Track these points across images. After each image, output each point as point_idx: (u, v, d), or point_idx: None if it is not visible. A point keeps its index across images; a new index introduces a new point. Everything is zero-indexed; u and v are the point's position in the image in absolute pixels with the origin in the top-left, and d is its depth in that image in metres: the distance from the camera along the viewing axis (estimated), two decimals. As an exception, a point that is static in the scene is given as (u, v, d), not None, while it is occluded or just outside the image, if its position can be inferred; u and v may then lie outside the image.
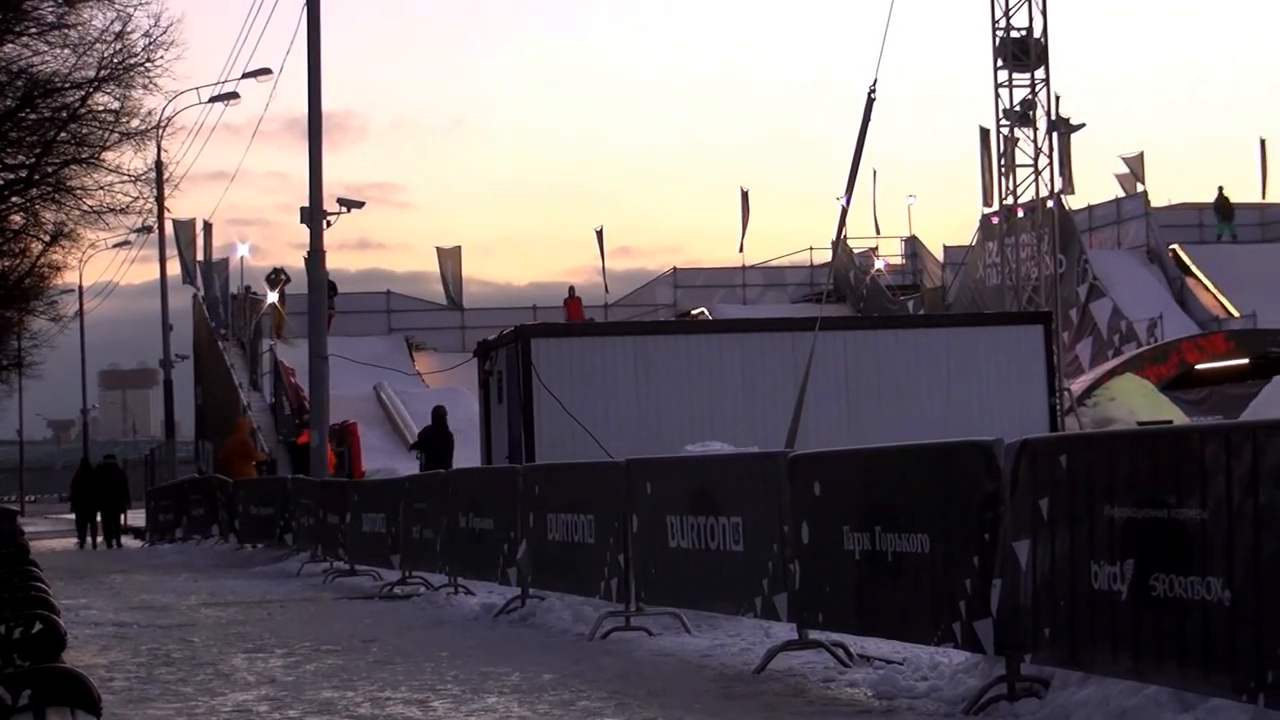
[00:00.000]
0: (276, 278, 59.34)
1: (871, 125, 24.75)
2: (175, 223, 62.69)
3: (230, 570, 29.32)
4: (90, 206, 35.01)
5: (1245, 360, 43.44)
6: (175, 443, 62.55)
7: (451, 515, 20.52)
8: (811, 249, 71.79)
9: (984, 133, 52.24)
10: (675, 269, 71.09)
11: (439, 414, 34.02)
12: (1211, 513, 8.32)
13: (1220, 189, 65.38)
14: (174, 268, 64.34)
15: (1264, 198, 68.52)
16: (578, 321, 53.77)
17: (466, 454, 31.76)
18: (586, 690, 12.04)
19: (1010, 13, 41.10)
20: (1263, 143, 69.70)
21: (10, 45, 31.42)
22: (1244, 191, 67.95)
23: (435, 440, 33.33)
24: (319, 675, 13.52)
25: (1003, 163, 42.45)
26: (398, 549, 22.85)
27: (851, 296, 66.55)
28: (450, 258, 65.99)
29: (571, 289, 62.72)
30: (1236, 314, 55.25)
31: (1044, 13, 40.98)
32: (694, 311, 64.61)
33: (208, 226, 65.90)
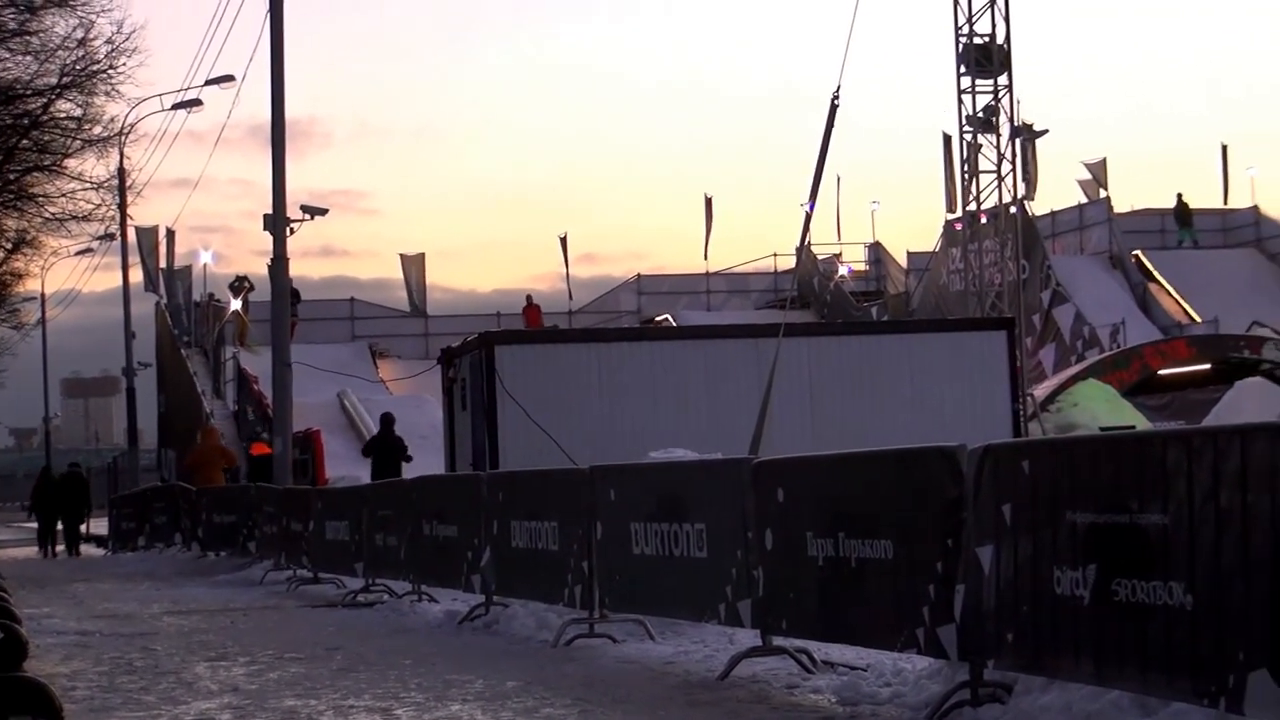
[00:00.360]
0: (240, 285, 59.28)
1: (835, 131, 24.81)
2: (138, 230, 62.59)
3: (193, 578, 29.23)
4: (52, 214, 34.96)
5: (1207, 365, 43.60)
6: (138, 450, 62.43)
7: (415, 523, 20.48)
8: (775, 255, 71.99)
9: (947, 139, 52.39)
10: (639, 275, 71.18)
11: (387, 420, 34.10)
12: (1173, 518, 8.34)
13: (1179, 196, 65.76)
14: (137, 275, 64.22)
15: (1225, 204, 68.86)
16: (541, 328, 53.74)
17: (430, 461, 31.71)
18: (550, 698, 12.02)
19: (973, 19, 41.16)
20: (1224, 149, 70.07)
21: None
22: (1206, 198, 68.32)
23: (383, 447, 33.38)
24: (282, 683, 13.47)
25: (966, 169, 42.49)
26: (361, 557, 22.80)
27: (815, 303, 66.68)
28: (414, 264, 65.95)
29: (529, 297, 62.68)
30: (1198, 319, 55.48)
31: (1007, 19, 41.06)
32: (658, 318, 64.69)
33: (170, 234, 65.83)
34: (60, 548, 45.14)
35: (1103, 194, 64.09)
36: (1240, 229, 66.08)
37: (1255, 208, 66.81)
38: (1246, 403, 39.03)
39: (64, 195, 34.32)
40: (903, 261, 69.98)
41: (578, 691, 12.29)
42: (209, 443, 40.59)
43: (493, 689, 12.57)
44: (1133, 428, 29.44)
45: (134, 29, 32.97)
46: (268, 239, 32.83)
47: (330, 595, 23.08)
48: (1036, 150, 54.16)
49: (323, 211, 33.95)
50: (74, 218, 34.71)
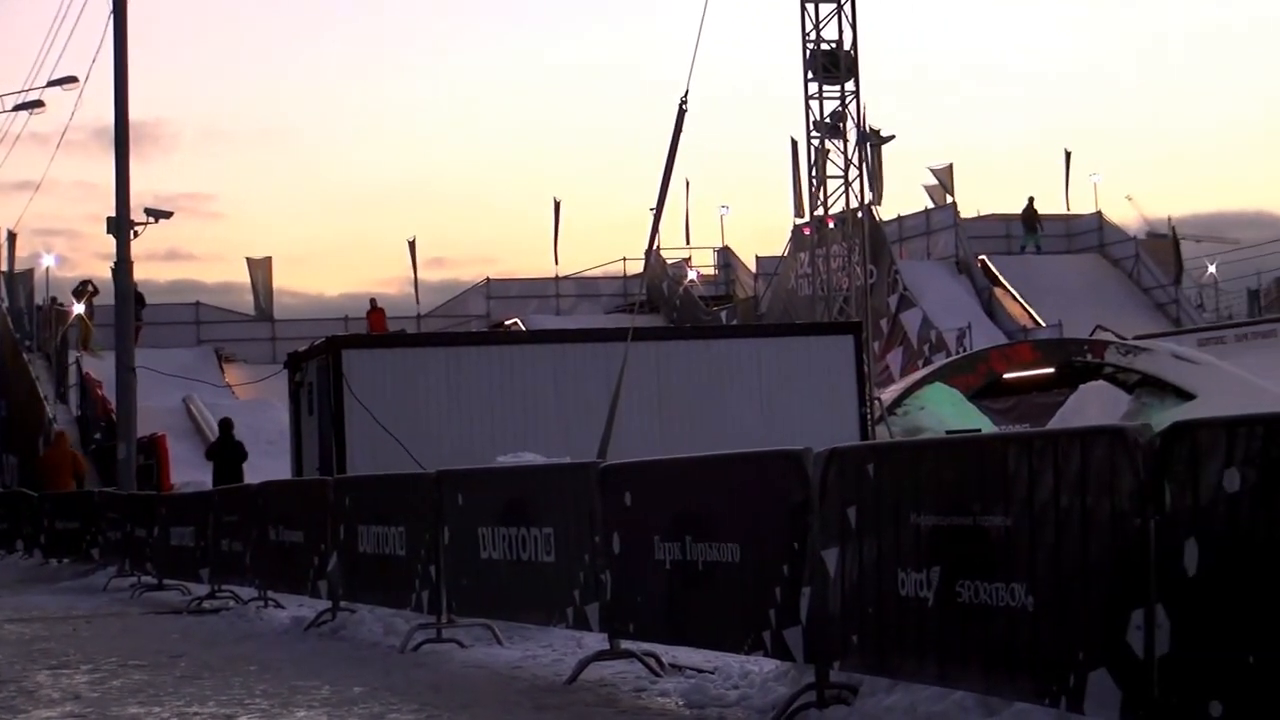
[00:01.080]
0: (83, 289, 58.54)
1: (683, 136, 24.89)
2: (-24, 233, 61.65)
3: (35, 585, 28.79)
4: (-113, 215, 34.32)
5: (1051, 369, 44.04)
6: (-22, 457, 61.45)
7: (261, 528, 20.33)
8: (625, 259, 71.99)
9: (794, 144, 52.69)
10: (489, 280, 71.00)
11: (225, 425, 33.96)
12: (1015, 520, 8.41)
13: (1030, 200, 66.48)
14: (-25, 279, 63.24)
15: (1068, 209, 69.73)
16: (389, 332, 53.51)
17: (277, 466, 31.47)
18: (397, 703, 11.97)
19: (820, 25, 41.40)
20: (1068, 155, 70.96)
21: None
22: (1050, 203, 69.15)
23: (224, 452, 33.16)
24: (125, 691, 13.32)
25: (814, 174, 42.73)
26: (206, 562, 22.60)
27: (665, 307, 66.82)
28: (260, 268, 65.45)
29: (373, 300, 62.29)
30: (1043, 324, 56.19)
31: (854, 26, 41.32)
32: (507, 322, 64.58)
33: (11, 236, 64.84)
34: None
35: (949, 199, 64.75)
36: (1084, 234, 66.95)
37: (1099, 213, 67.72)
38: (1090, 406, 39.53)
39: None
40: (751, 266, 70.25)
41: (425, 697, 12.24)
42: (61, 448, 40.05)
43: (339, 695, 12.50)
44: (978, 431, 29.76)
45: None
46: (113, 242, 32.50)
47: (175, 602, 22.86)
48: (884, 156, 54.63)
49: (167, 214, 33.66)
50: (-89, 219, 34.14)
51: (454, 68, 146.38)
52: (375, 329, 57.01)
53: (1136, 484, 7.66)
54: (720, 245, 75.31)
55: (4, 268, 64.37)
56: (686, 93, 24.63)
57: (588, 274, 73.50)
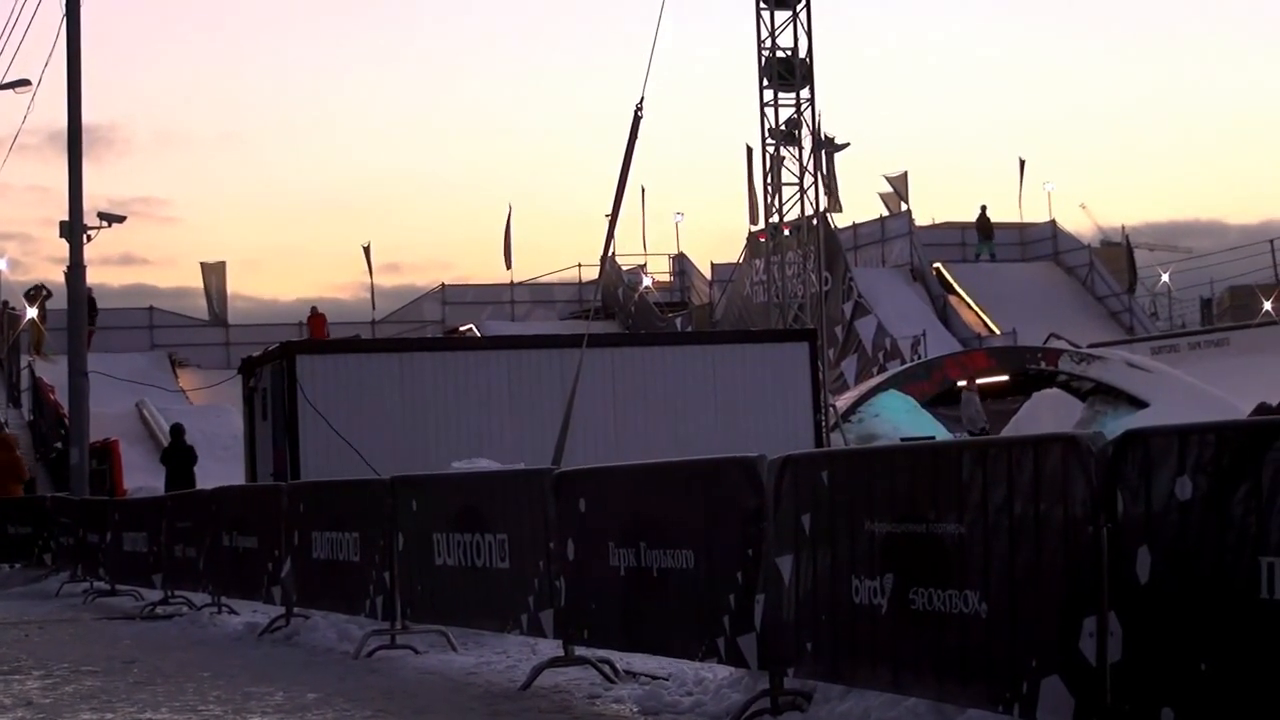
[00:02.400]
0: (36, 293, 58.32)
1: (639, 142, 24.91)
2: (-71, 236, 61.43)
3: (-13, 591, 28.71)
4: None
5: (1005, 377, 44.17)
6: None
7: (214, 534, 20.28)
8: (580, 265, 72.01)
9: (750, 151, 52.72)
10: (444, 285, 70.91)
11: (176, 430, 33.96)
12: (969, 527, 8.44)
13: (983, 208, 66.62)
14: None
15: (1022, 217, 69.93)
16: (343, 338, 53.43)
17: (231, 471, 31.40)
18: (351, 709, 11.95)
19: (776, 33, 41.42)
20: (1022, 163, 71.20)
21: None
22: (1004, 211, 69.33)
23: (175, 457, 33.11)
24: (77, 697, 13.27)
25: (769, 181, 42.75)
26: (160, 568, 22.54)
27: (620, 313, 66.84)
28: (214, 272, 65.29)
29: (314, 308, 62.25)
30: (997, 331, 56.32)
31: (809, 33, 41.33)
32: (462, 328, 64.50)
33: (-36, 240, 64.62)
34: None
35: (904, 207, 64.87)
36: (1038, 243, 67.12)
37: (1053, 222, 67.91)
38: (1044, 414, 39.70)
39: None
40: (707, 273, 70.33)
41: (379, 703, 12.23)
42: (7, 455, 39.82)
43: (293, 701, 12.47)
44: (933, 438, 29.82)
45: (-74, 31, 32.33)
46: (66, 246, 32.40)
47: (128, 607, 22.77)
48: (838, 163, 54.66)
49: (120, 219, 33.59)
50: None
51: (408, 72, 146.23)
52: (316, 334, 56.86)
53: (1089, 492, 7.70)
54: (676, 252, 75.43)
55: (-45, 271, 64.07)
56: (642, 99, 24.67)
57: (543, 280, 73.51)
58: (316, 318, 60.60)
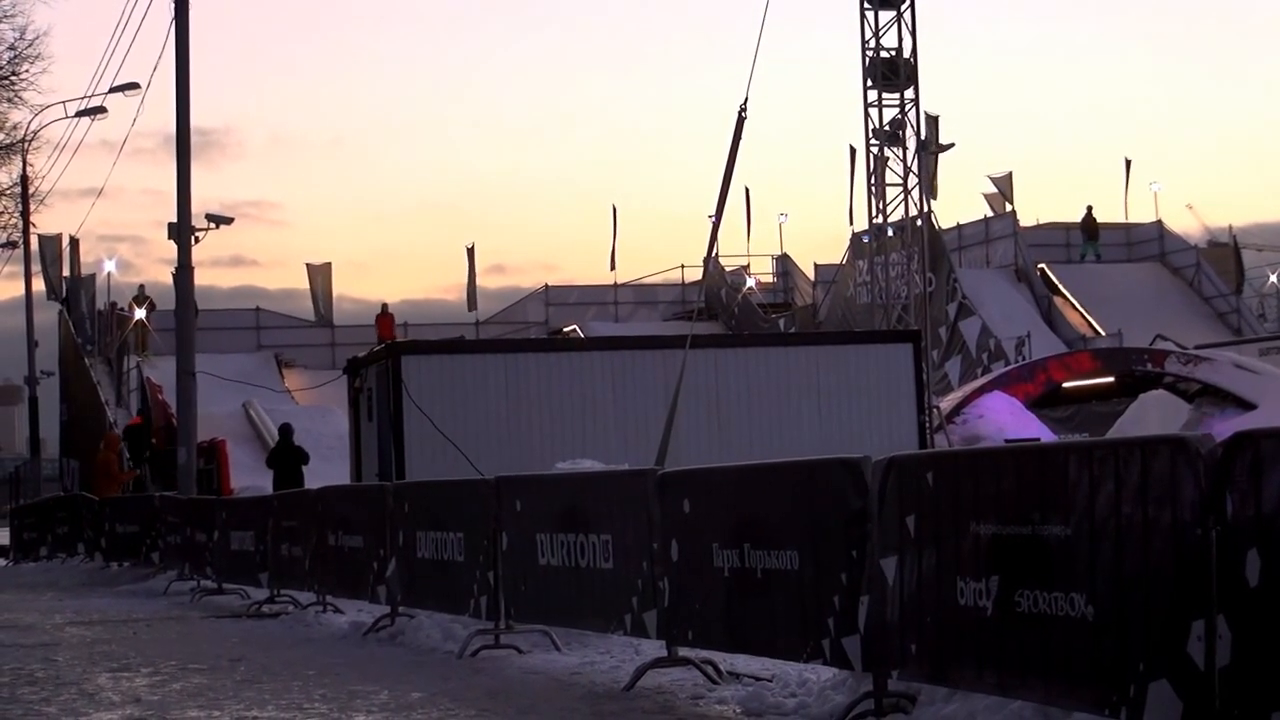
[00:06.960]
0: (142, 295, 58.97)
1: (742, 144, 24.87)
2: (40, 238, 62.13)
3: (96, 589, 28.98)
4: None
5: (1111, 378, 43.81)
6: (40, 460, 61.88)
7: (320, 533, 20.39)
8: (683, 267, 72.05)
9: (853, 152, 52.59)
10: (547, 286, 71.08)
11: (285, 430, 34.08)
12: (1075, 529, 8.39)
13: (1089, 209, 66.14)
14: (40, 284, 63.75)
15: (1128, 218, 69.41)
16: (448, 338, 53.63)
17: (336, 471, 31.59)
18: (455, 708, 11.99)
19: (880, 33, 41.35)
20: (1128, 164, 70.67)
21: None
22: (1110, 212, 68.84)
23: (284, 457, 33.29)
24: (185, 694, 13.37)
25: (872, 182, 42.66)
26: (266, 567, 22.68)
27: (723, 314, 66.80)
28: (320, 274, 65.67)
29: (384, 306, 62.73)
30: (1103, 333, 55.89)
31: (913, 33, 41.27)
32: (565, 329, 64.64)
33: (74, 242, 65.26)
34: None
35: (1008, 208, 64.49)
36: (1144, 243, 66.58)
37: (1159, 222, 67.35)
38: (1149, 416, 39.34)
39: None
40: (810, 274, 70.21)
41: (483, 703, 12.26)
42: (103, 455, 40.23)
43: (398, 700, 12.52)
44: (1038, 440, 29.62)
45: (37, 35, 32.77)
46: (175, 248, 32.67)
47: (234, 606, 22.94)
48: (942, 164, 54.50)
49: (228, 220, 33.83)
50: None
51: (515, 76, 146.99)
52: (383, 334, 57.15)
53: (1198, 494, 7.63)
54: (779, 253, 75.35)
55: (66, 273, 64.81)
56: (746, 100, 24.63)
57: (646, 281, 73.61)
58: (384, 317, 60.93)
